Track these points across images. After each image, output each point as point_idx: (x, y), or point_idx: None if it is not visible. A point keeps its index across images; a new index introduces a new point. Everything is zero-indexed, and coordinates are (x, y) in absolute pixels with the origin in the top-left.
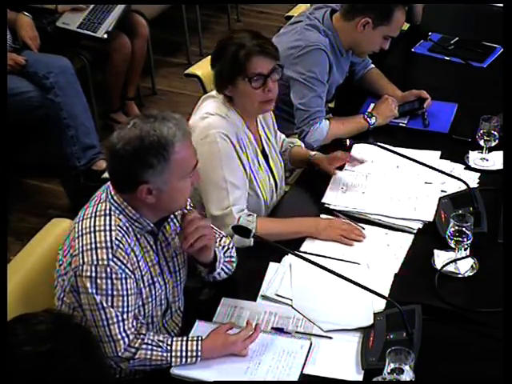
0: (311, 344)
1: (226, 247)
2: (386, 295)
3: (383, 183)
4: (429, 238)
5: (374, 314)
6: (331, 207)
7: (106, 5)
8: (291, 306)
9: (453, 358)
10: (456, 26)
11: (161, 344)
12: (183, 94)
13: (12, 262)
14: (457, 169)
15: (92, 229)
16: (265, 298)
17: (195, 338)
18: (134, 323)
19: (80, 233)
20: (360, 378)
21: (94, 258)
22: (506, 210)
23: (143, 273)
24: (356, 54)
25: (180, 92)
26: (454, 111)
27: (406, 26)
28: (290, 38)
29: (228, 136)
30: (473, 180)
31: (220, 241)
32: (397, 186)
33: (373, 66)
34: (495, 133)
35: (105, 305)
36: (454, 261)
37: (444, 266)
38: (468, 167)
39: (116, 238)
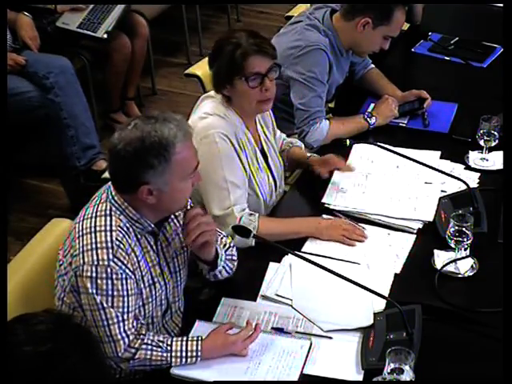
0: (311, 344)
1: (228, 245)
2: (386, 295)
3: (383, 183)
4: (429, 237)
5: (374, 314)
6: (331, 207)
7: (106, 5)
8: (291, 306)
9: (453, 357)
10: (456, 26)
11: (161, 344)
12: (183, 94)
13: (12, 262)
14: (457, 169)
15: (93, 229)
16: (265, 298)
17: (195, 338)
18: (134, 323)
19: (80, 233)
20: (360, 378)
21: (95, 258)
22: (506, 210)
23: (143, 273)
24: (356, 53)
25: (180, 92)
26: (454, 111)
27: (405, 26)
28: (289, 38)
29: (227, 136)
30: (473, 180)
31: (221, 240)
32: (397, 186)
33: (373, 66)
34: (495, 133)
35: (105, 305)
36: (454, 261)
37: (444, 266)
38: (468, 167)
39: (116, 239)
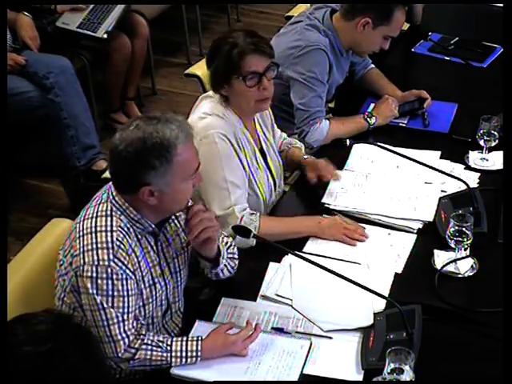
0: (311, 344)
1: (229, 244)
2: (386, 295)
3: (383, 183)
4: (429, 237)
5: (374, 314)
6: (331, 207)
7: (106, 5)
8: (291, 306)
9: (453, 357)
10: (456, 26)
11: (161, 344)
12: (183, 94)
13: (12, 262)
14: (457, 169)
15: (93, 229)
16: (265, 298)
17: (195, 338)
18: (135, 324)
19: (81, 233)
20: (360, 378)
21: (95, 258)
22: (506, 210)
23: (144, 273)
24: (356, 53)
25: (180, 92)
26: (454, 111)
27: (405, 26)
28: (290, 37)
29: (226, 136)
30: (473, 180)
31: (222, 238)
32: (397, 186)
33: (373, 66)
34: (495, 133)
35: (105, 305)
36: (454, 261)
37: (444, 265)
38: (468, 167)
39: (117, 239)
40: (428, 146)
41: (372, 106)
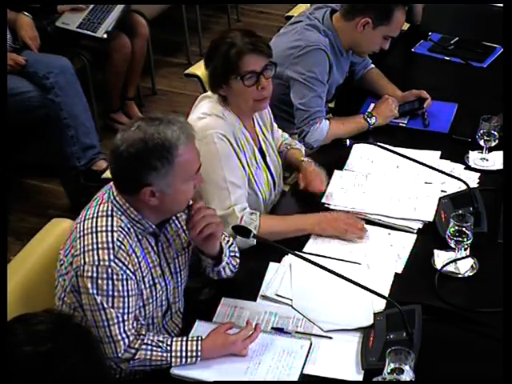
0: (311, 344)
1: (230, 242)
2: (386, 295)
3: (383, 183)
4: (429, 237)
5: (374, 314)
6: (331, 207)
7: (106, 5)
8: (291, 306)
9: (453, 357)
10: (456, 26)
11: (160, 344)
12: (183, 94)
13: (12, 262)
14: (457, 169)
15: (94, 229)
16: (265, 298)
17: (195, 338)
18: (135, 324)
19: (82, 233)
20: (360, 378)
21: (96, 258)
22: (506, 210)
23: (144, 274)
24: (356, 53)
25: (180, 92)
26: (454, 111)
27: (406, 26)
28: (290, 38)
29: (225, 136)
30: (473, 180)
31: (223, 237)
32: (397, 186)
33: (373, 66)
34: (495, 133)
35: (105, 305)
36: (454, 261)
37: (444, 265)
38: (468, 167)
39: (117, 239)
40: (428, 145)
41: (372, 106)
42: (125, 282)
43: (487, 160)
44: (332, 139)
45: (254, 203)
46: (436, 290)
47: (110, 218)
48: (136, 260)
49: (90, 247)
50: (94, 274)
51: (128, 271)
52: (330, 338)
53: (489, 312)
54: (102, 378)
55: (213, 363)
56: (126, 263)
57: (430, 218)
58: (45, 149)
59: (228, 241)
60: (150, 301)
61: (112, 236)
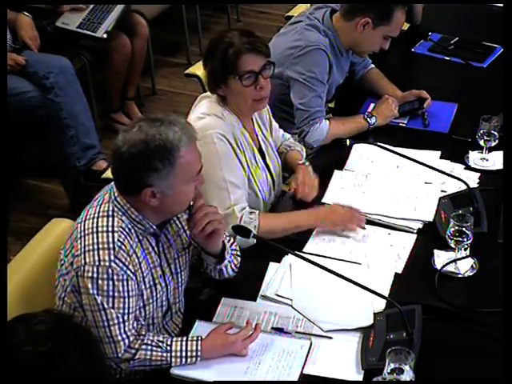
0: (311, 344)
1: (232, 241)
2: (386, 295)
3: (383, 183)
4: (429, 237)
5: (374, 314)
6: None
7: (106, 5)
8: (291, 306)
9: (453, 357)
10: (456, 26)
11: (160, 344)
12: (183, 94)
13: (12, 262)
14: (457, 169)
15: (95, 229)
16: (265, 298)
17: (195, 338)
18: (135, 324)
19: (83, 233)
20: (360, 378)
21: (96, 258)
22: (506, 210)
23: (145, 274)
24: (356, 53)
25: (180, 92)
26: (454, 111)
27: (405, 26)
28: (290, 38)
29: (225, 136)
30: (473, 180)
31: (225, 237)
32: (397, 186)
33: (373, 66)
34: (495, 133)
35: (105, 306)
36: (454, 261)
37: (444, 265)
38: (468, 167)
39: (118, 240)
40: (428, 145)
41: (372, 106)
42: (125, 283)
43: (487, 160)
44: (332, 139)
45: (254, 203)
46: (436, 290)
47: (110, 219)
48: (136, 260)
49: (91, 247)
50: (95, 275)
51: (128, 272)
52: (330, 337)
53: (489, 312)
54: (102, 378)
55: (213, 363)
56: (127, 264)
57: (430, 218)
58: (45, 149)
59: (229, 240)
60: (151, 301)
61: (113, 236)
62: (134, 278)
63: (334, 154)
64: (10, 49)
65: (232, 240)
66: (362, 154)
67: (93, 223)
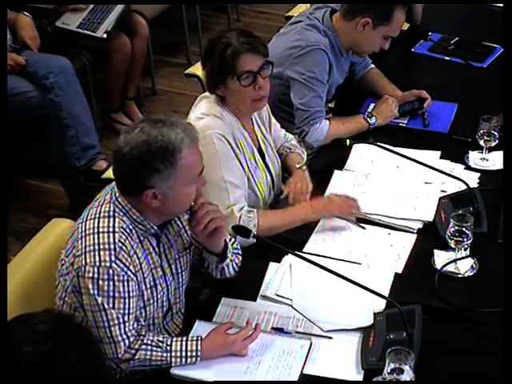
0: (311, 344)
1: (233, 240)
2: (386, 295)
3: (383, 183)
4: (429, 237)
5: (374, 314)
6: None
7: (106, 5)
8: (291, 306)
9: (453, 357)
10: (456, 26)
11: (160, 344)
12: (183, 94)
13: (12, 262)
14: (457, 169)
15: (96, 230)
16: (265, 298)
17: (195, 338)
18: (135, 325)
19: (83, 233)
20: (360, 378)
21: (97, 259)
22: (506, 210)
23: (145, 275)
24: (356, 53)
25: (180, 92)
26: (454, 111)
27: (405, 26)
28: (290, 38)
29: (224, 136)
30: (473, 180)
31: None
32: (397, 186)
33: (373, 66)
34: (495, 133)
35: (106, 306)
36: (454, 261)
37: (444, 265)
38: (468, 167)
39: (119, 240)
40: (428, 145)
41: (372, 106)
42: (126, 283)
43: (487, 160)
44: (332, 139)
45: (253, 203)
46: (436, 290)
47: (112, 219)
48: (137, 261)
49: (92, 248)
50: (95, 275)
51: (129, 272)
52: (330, 338)
53: (489, 312)
54: (102, 378)
55: (213, 363)
56: (128, 264)
57: (430, 218)
58: (45, 149)
59: (230, 239)
60: (151, 301)
61: (114, 237)
62: (134, 278)
63: (334, 153)
64: (10, 49)
65: (233, 239)
66: (362, 154)
67: (94, 224)
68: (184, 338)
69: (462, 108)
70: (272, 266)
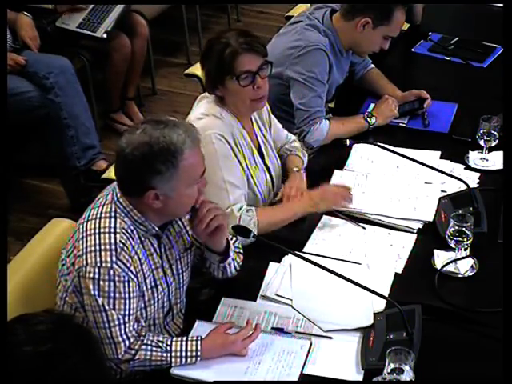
0: (311, 344)
1: (234, 239)
2: (386, 295)
3: (383, 183)
4: (429, 237)
5: (374, 314)
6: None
7: (106, 5)
8: (291, 306)
9: (453, 357)
10: (456, 26)
11: (160, 344)
12: (183, 94)
13: (12, 262)
14: (457, 169)
15: (97, 230)
16: (265, 298)
17: (195, 338)
18: (135, 326)
19: (85, 234)
20: (360, 378)
21: (98, 259)
22: (506, 210)
23: (146, 276)
24: (356, 53)
25: (180, 92)
26: (454, 111)
27: (405, 26)
28: (290, 38)
29: (224, 136)
30: (473, 180)
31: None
32: (397, 186)
33: (373, 66)
34: (495, 133)
35: (106, 307)
36: (454, 261)
37: (444, 265)
38: (468, 167)
39: (120, 241)
40: (428, 145)
41: (372, 106)
42: (126, 284)
43: (487, 160)
44: (332, 139)
45: (253, 203)
46: (436, 290)
47: (113, 220)
48: (138, 262)
49: (93, 248)
50: (96, 276)
51: (130, 273)
52: (330, 338)
53: (489, 312)
54: (102, 378)
55: (212, 363)
56: (128, 265)
57: (430, 218)
58: (45, 149)
59: (232, 237)
60: (152, 302)
61: (115, 238)
62: (135, 279)
63: (334, 153)
64: (10, 49)
65: (234, 238)
66: (362, 154)
67: (95, 224)
68: (184, 338)
69: (462, 108)
70: (272, 265)
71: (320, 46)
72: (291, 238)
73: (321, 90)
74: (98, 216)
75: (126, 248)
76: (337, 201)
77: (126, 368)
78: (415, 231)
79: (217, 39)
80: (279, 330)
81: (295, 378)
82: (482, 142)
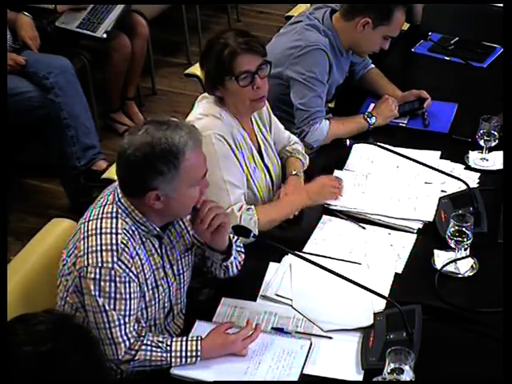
0: (311, 344)
1: (236, 238)
2: (386, 295)
3: (383, 183)
4: (429, 237)
5: (374, 314)
6: (331, 207)
7: (106, 5)
8: (291, 306)
9: (453, 357)
10: (456, 26)
11: (160, 344)
12: (183, 94)
13: (12, 262)
14: (457, 169)
15: (98, 231)
16: (265, 298)
17: (195, 338)
18: (136, 326)
19: (86, 234)
20: (360, 378)
21: (99, 260)
22: (506, 210)
23: (147, 276)
24: (356, 53)
25: (180, 92)
26: (454, 111)
27: (405, 26)
28: (290, 38)
29: (223, 136)
30: (473, 180)
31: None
32: (397, 186)
33: (373, 65)
34: (495, 133)
35: (107, 307)
36: (454, 261)
37: (444, 266)
38: (468, 167)
39: (122, 242)
40: (428, 145)
41: (372, 106)
42: (127, 285)
43: (487, 160)
44: (332, 139)
45: (252, 203)
46: (436, 290)
47: (114, 220)
48: (139, 262)
49: (94, 249)
50: (97, 276)
51: (131, 274)
52: (330, 338)
53: (489, 312)
54: (103, 379)
55: (212, 363)
56: (129, 266)
57: (430, 218)
58: (45, 149)
59: (233, 237)
60: (153, 302)
61: (116, 238)
62: (136, 279)
63: (334, 153)
64: (10, 49)
65: (235, 237)
66: (362, 154)
67: (96, 224)
68: (184, 338)
69: (462, 108)
70: (272, 265)
71: (320, 46)
72: (291, 238)
73: (321, 89)
74: (100, 216)
75: (127, 249)
76: (333, 194)
77: (126, 368)
78: (415, 231)
79: (216, 39)
80: (279, 330)
81: (295, 378)
82: (482, 142)
